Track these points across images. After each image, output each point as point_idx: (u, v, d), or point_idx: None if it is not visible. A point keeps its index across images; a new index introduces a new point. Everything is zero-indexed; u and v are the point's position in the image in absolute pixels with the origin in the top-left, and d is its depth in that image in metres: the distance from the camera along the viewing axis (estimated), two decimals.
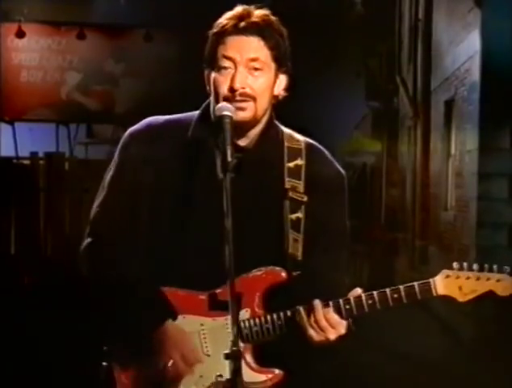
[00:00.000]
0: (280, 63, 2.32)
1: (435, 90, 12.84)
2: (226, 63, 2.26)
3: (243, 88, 2.25)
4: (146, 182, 2.33)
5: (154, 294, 2.28)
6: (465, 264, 2.29)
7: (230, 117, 2.18)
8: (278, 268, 2.28)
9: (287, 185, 2.30)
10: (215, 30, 2.30)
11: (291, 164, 2.35)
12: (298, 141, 2.40)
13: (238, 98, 2.25)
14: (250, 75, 2.27)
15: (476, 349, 7.59)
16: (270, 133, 2.36)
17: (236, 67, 2.26)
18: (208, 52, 2.32)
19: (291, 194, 2.31)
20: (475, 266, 2.29)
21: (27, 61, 15.88)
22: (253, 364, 2.27)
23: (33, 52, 15.91)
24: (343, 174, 2.43)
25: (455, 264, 2.29)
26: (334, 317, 2.25)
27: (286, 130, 2.40)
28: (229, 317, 2.18)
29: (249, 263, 2.25)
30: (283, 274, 2.28)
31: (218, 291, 2.26)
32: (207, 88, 2.36)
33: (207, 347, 2.28)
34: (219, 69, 2.28)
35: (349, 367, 6.83)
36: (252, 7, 2.32)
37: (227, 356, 2.05)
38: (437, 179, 12.44)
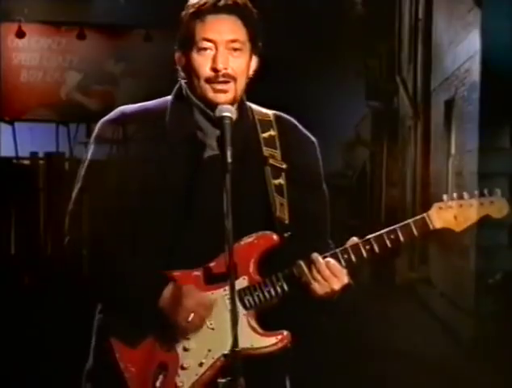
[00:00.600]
0: (255, 43, 2.34)
1: (435, 90, 12.84)
2: (206, 44, 2.26)
3: (225, 69, 2.26)
4: (124, 170, 2.31)
5: (151, 274, 2.27)
6: (455, 194, 2.29)
7: (230, 118, 2.18)
8: (268, 232, 2.29)
9: (266, 153, 2.34)
10: (191, 10, 2.28)
11: (266, 135, 2.38)
12: (267, 114, 2.44)
13: (221, 79, 2.26)
14: (230, 56, 2.27)
15: (476, 349, 7.60)
16: (242, 110, 2.38)
17: (217, 48, 2.26)
18: (184, 33, 2.29)
19: (271, 161, 2.34)
20: (465, 194, 2.29)
21: (27, 61, 15.88)
22: (260, 329, 2.27)
23: (33, 52, 15.91)
24: (314, 141, 2.47)
25: (445, 196, 2.29)
26: (336, 265, 2.27)
27: (254, 106, 2.43)
28: (227, 287, 2.21)
29: (241, 231, 2.25)
30: (275, 237, 2.29)
31: (212, 264, 2.27)
32: (180, 70, 2.34)
33: (210, 320, 2.28)
34: (198, 50, 2.27)
35: (348, 366, 6.84)
36: None
37: (226, 357, 2.06)
38: (437, 179, 12.44)
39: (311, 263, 2.27)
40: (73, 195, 2.38)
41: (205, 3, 2.26)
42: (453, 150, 11.27)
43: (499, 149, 8.83)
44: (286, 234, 2.30)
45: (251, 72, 2.37)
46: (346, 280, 2.28)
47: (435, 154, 12.74)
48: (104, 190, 2.32)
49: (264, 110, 2.45)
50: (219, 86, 2.27)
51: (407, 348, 7.71)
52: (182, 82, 2.37)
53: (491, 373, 6.66)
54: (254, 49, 2.34)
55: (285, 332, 2.27)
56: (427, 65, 13.37)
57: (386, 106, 18.47)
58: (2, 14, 15.32)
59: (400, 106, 17.28)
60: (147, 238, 2.30)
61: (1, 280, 10.44)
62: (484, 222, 2.31)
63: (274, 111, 2.45)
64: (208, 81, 2.26)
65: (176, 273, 2.28)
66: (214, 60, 2.25)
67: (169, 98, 2.41)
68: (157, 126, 2.34)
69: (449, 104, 11.51)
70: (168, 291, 2.25)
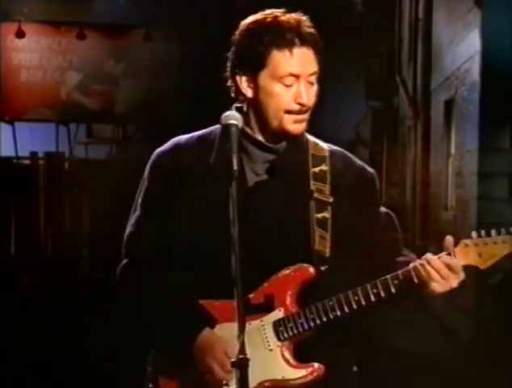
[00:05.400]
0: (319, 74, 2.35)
1: (435, 90, 12.85)
2: (292, 78, 2.26)
3: (309, 103, 2.28)
4: (178, 200, 2.34)
5: (191, 305, 2.29)
6: (483, 232, 2.32)
7: (236, 126, 2.18)
8: (305, 265, 2.29)
9: (313, 187, 2.33)
10: (270, 36, 2.25)
11: (316, 169, 2.38)
12: (322, 149, 2.43)
13: (304, 112, 2.28)
14: (309, 89, 2.29)
15: (475, 349, 7.60)
16: (298, 140, 2.38)
17: (299, 81, 2.27)
18: (259, 59, 2.26)
19: (316, 195, 2.33)
20: (493, 232, 2.33)
21: (27, 61, 15.90)
22: (292, 361, 2.27)
23: (33, 52, 15.93)
24: (370, 171, 2.45)
25: (473, 233, 2.32)
26: (452, 260, 2.27)
27: (311, 138, 2.42)
28: (264, 318, 2.26)
29: (280, 264, 2.27)
30: (311, 270, 2.29)
31: (251, 296, 2.27)
32: (244, 93, 2.31)
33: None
34: (283, 83, 2.26)
35: None
36: (294, 14, 2.30)
37: (233, 365, 2.06)
38: (437, 179, 12.45)
39: (427, 264, 2.27)
40: (132, 220, 2.42)
41: (285, 33, 2.24)
42: (453, 150, 11.27)
43: (499, 149, 8.83)
44: (323, 268, 2.30)
45: None
46: (462, 275, 2.29)
47: (435, 154, 12.74)
48: (159, 219, 2.36)
49: (321, 144, 2.44)
50: (299, 117, 2.29)
51: (407, 348, 7.71)
52: (235, 106, 2.35)
53: (491, 373, 6.66)
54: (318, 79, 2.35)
55: (316, 365, 2.27)
56: (427, 65, 13.38)
57: (386, 106, 18.48)
58: (2, 14, 15.33)
59: (400, 106, 17.28)
60: (196, 268, 2.32)
61: (1, 280, 10.44)
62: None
63: (330, 146, 2.44)
64: (290, 113, 2.27)
65: (216, 303, 2.30)
66: (299, 94, 2.26)
67: (218, 126, 2.38)
68: (205, 157, 2.35)
69: (449, 104, 11.51)
70: (200, 338, 2.26)
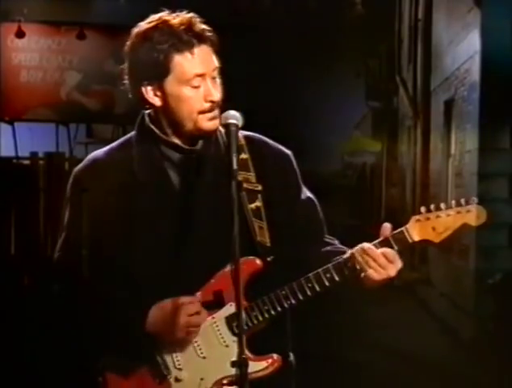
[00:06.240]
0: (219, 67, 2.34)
1: (435, 90, 12.85)
2: (198, 79, 2.25)
3: (218, 98, 2.28)
4: (106, 213, 2.33)
5: (139, 310, 2.29)
6: (432, 206, 2.30)
7: (236, 125, 2.18)
8: (251, 257, 2.29)
9: (240, 177, 2.27)
10: (168, 42, 2.23)
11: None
12: (237, 137, 2.40)
13: (215, 108, 2.28)
14: (214, 84, 2.29)
15: (475, 349, 7.60)
16: (214, 137, 2.38)
17: (205, 79, 2.26)
18: (162, 66, 2.25)
19: (245, 185, 2.31)
20: (442, 205, 2.30)
21: (27, 61, 15.88)
22: (250, 355, 2.25)
23: (33, 52, 15.91)
24: (288, 153, 2.46)
25: (422, 208, 2.31)
26: (390, 251, 2.28)
27: (221, 129, 2.39)
28: (215, 315, 2.26)
29: (225, 258, 2.24)
30: (258, 261, 2.29)
31: (198, 294, 2.28)
32: (154, 102, 2.30)
33: (200, 349, 2.29)
34: (191, 85, 2.25)
35: (348, 366, 6.84)
36: (182, 13, 2.29)
37: (233, 364, 2.06)
38: (437, 179, 12.45)
39: (363, 253, 2.27)
40: (60, 243, 2.41)
41: (179, 34, 2.24)
42: (453, 150, 11.27)
43: (499, 149, 8.84)
44: (269, 258, 2.30)
45: None
46: (400, 264, 2.30)
47: (435, 154, 12.75)
48: (88, 238, 2.34)
49: None
50: (212, 115, 2.28)
51: (407, 348, 7.71)
52: (146, 113, 2.37)
53: (491, 373, 6.66)
54: (219, 73, 2.34)
55: (275, 355, 2.28)
56: (427, 65, 13.38)
57: (386, 106, 18.49)
58: (2, 14, 15.32)
59: (400, 106, 17.29)
60: (137, 279, 2.31)
61: (1, 280, 10.44)
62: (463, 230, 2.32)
63: (243, 134, 2.41)
64: (203, 112, 2.27)
65: (165, 303, 2.27)
66: (208, 92, 2.25)
67: (133, 134, 2.41)
68: (126, 166, 2.34)
69: (449, 104, 11.51)
70: (153, 312, 2.26)
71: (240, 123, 2.20)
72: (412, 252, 13.75)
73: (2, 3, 15.27)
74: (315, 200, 2.49)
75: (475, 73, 9.16)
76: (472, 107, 9.28)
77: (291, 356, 2.38)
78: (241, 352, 2.05)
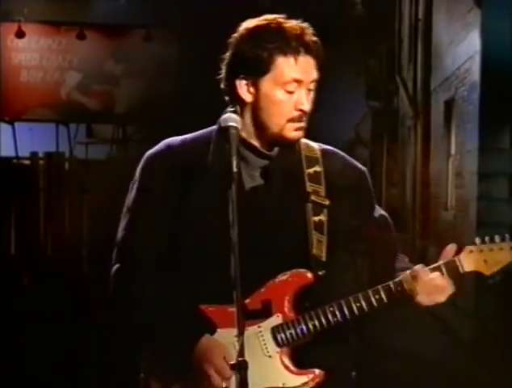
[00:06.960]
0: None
1: (435, 90, 12.85)
2: (295, 85, 2.25)
3: (308, 109, 2.28)
4: (174, 201, 2.31)
5: (191, 310, 2.26)
6: (487, 238, 2.32)
7: (236, 128, 2.16)
8: (302, 270, 2.27)
9: (309, 189, 2.31)
10: (274, 43, 2.23)
11: (311, 171, 2.36)
12: (314, 149, 2.41)
13: (303, 119, 2.28)
14: (308, 95, 2.29)
15: (476, 349, 7.60)
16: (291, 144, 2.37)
17: (301, 87, 2.26)
18: (264, 64, 2.24)
19: (313, 197, 2.32)
20: (497, 238, 2.32)
21: (27, 61, 15.89)
22: (292, 367, 2.25)
23: (33, 52, 15.92)
24: (362, 170, 2.45)
25: (477, 239, 2.33)
26: (439, 278, 2.29)
27: (302, 139, 2.39)
28: (261, 324, 2.24)
29: (277, 268, 2.25)
30: (309, 275, 2.27)
31: (247, 301, 2.23)
32: (245, 98, 2.28)
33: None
34: (286, 89, 2.25)
35: None
36: (296, 22, 2.29)
37: (232, 367, 2.05)
38: (437, 179, 12.45)
39: (415, 279, 2.28)
40: (124, 223, 2.37)
41: (290, 40, 2.23)
42: (453, 150, 11.27)
43: (499, 149, 8.84)
44: (321, 273, 2.28)
45: None
46: (450, 290, 2.30)
47: (435, 154, 12.75)
48: (154, 222, 2.32)
49: (312, 144, 2.43)
50: (299, 125, 2.28)
51: (407, 348, 7.71)
52: (231, 110, 2.31)
53: (491, 373, 6.66)
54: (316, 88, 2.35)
55: (317, 370, 2.25)
56: (427, 65, 13.38)
57: (386, 106, 18.49)
58: (2, 14, 15.33)
59: (400, 106, 17.28)
60: (189, 271, 2.30)
61: (1, 280, 10.44)
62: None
63: (321, 146, 2.42)
64: (292, 121, 2.27)
65: (211, 309, 2.27)
66: (300, 100, 2.26)
67: (214, 128, 2.38)
68: (201, 159, 2.33)
69: (449, 104, 11.52)
70: (200, 344, 2.23)
71: (239, 125, 2.18)
72: (412, 252, 13.75)
73: (2, 3, 15.28)
74: (388, 218, 2.48)
75: (475, 73, 9.17)
76: (472, 107, 9.28)
77: (353, 373, 2.40)
78: (240, 355, 2.03)
